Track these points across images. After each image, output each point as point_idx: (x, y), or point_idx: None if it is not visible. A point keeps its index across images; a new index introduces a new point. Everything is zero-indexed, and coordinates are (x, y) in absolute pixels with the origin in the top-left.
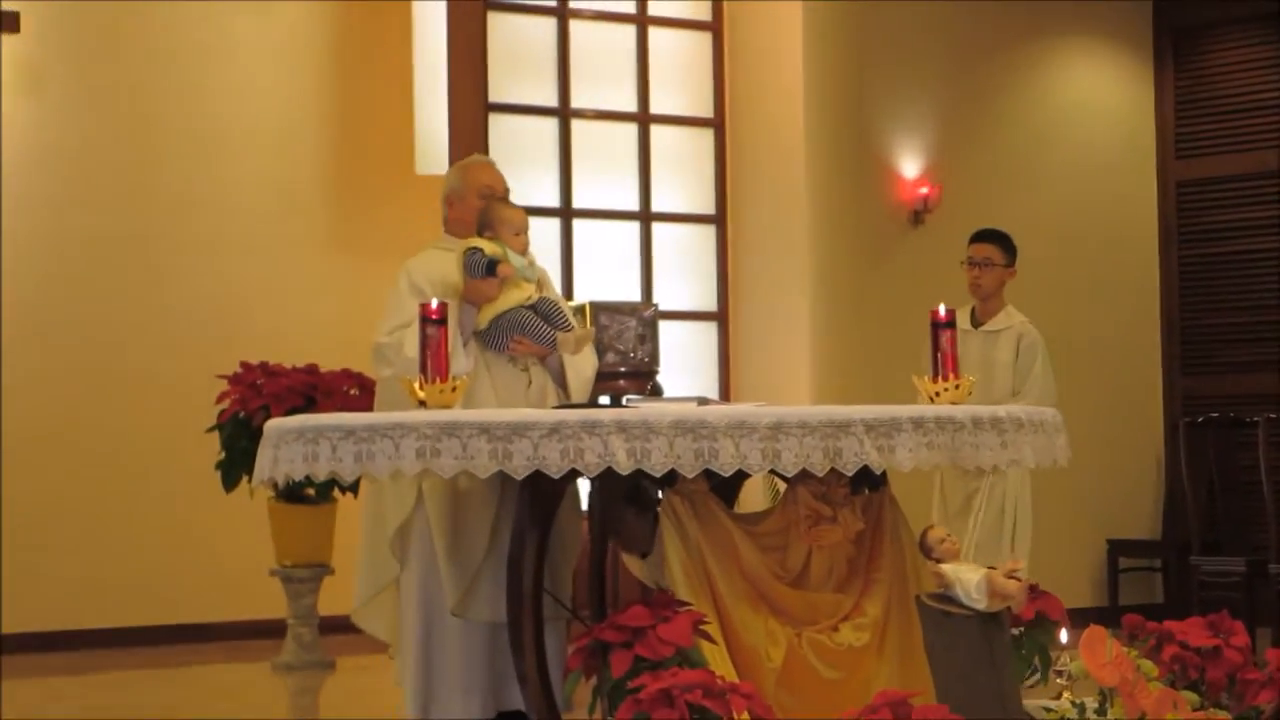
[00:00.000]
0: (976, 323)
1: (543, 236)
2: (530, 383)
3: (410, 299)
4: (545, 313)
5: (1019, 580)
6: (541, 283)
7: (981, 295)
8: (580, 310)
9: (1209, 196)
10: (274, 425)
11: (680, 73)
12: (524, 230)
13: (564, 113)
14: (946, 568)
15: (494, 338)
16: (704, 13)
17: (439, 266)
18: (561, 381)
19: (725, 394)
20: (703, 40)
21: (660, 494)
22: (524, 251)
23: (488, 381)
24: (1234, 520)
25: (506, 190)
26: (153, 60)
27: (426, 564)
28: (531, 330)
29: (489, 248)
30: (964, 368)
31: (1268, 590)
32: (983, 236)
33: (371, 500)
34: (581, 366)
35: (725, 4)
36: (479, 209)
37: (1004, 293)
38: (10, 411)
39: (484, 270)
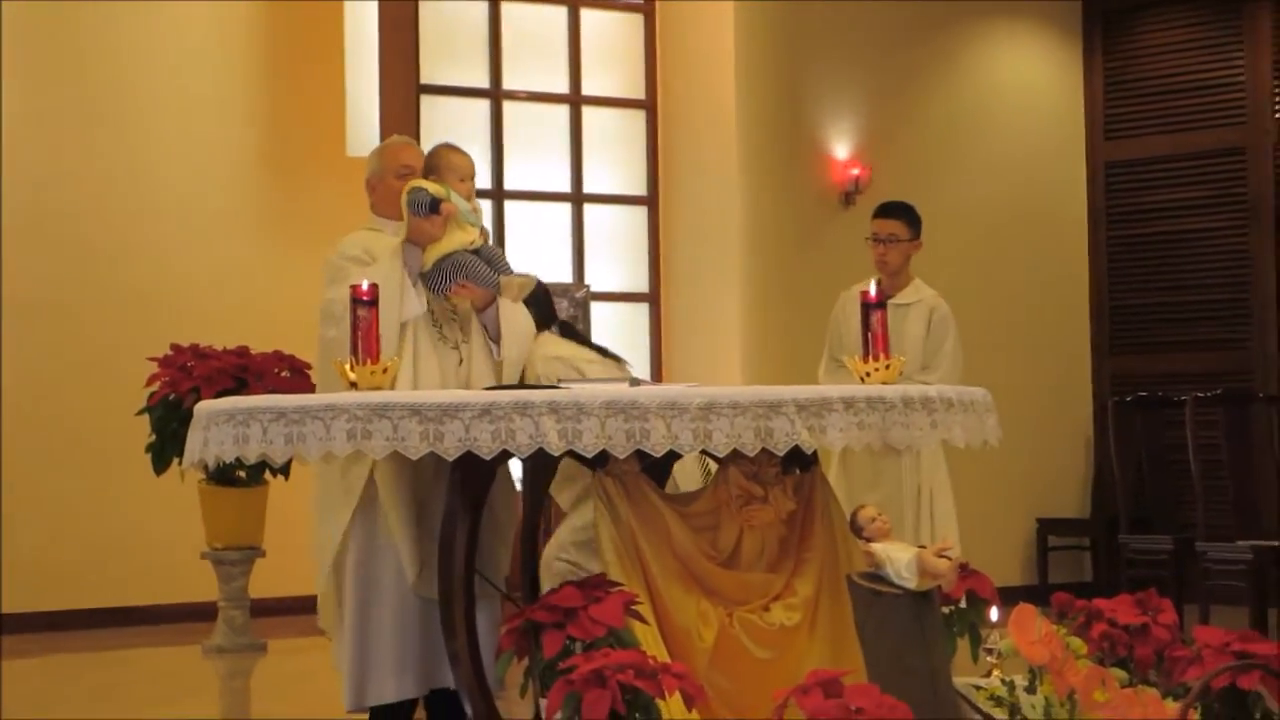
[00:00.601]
0: (886, 297)
1: None
2: (460, 361)
3: (349, 266)
4: (488, 257)
5: (949, 559)
6: (484, 233)
7: (889, 271)
8: (530, 280)
9: (1138, 177)
10: (204, 407)
11: (612, 55)
12: (469, 177)
13: (496, 94)
14: (877, 547)
15: (437, 280)
16: None
17: (367, 242)
18: (496, 336)
19: (657, 375)
20: (634, 22)
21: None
22: (468, 198)
23: (411, 368)
24: (1162, 499)
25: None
26: (86, 41)
27: (363, 544)
28: (474, 273)
29: (432, 188)
30: None
31: (1195, 568)
32: (886, 211)
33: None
34: (518, 320)
35: None
36: (398, 189)
37: (910, 266)
38: None
39: (427, 209)
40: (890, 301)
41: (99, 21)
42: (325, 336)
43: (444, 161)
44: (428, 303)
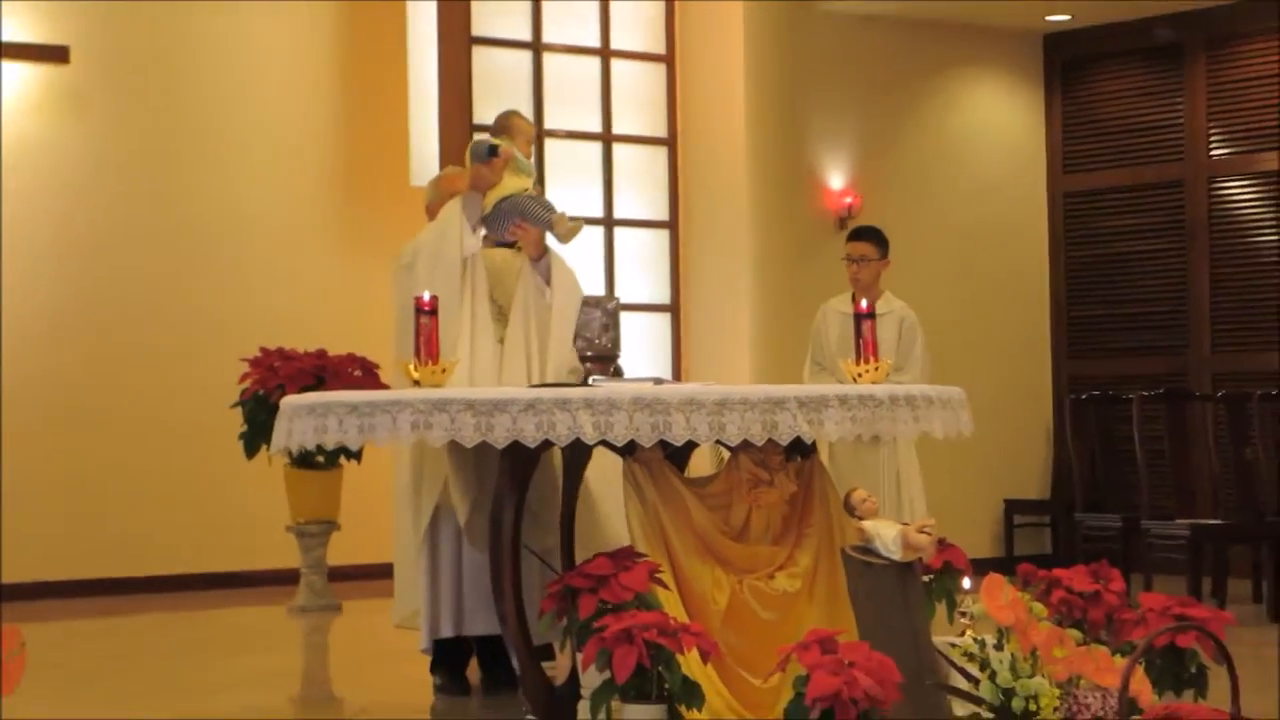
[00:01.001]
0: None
1: None
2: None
3: (409, 253)
4: (542, 203)
5: (929, 535)
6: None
7: (862, 287)
8: (579, 224)
9: (1093, 205)
10: (289, 402)
11: (639, 98)
12: (531, 142)
13: (539, 133)
14: (867, 524)
15: (496, 222)
16: (659, 46)
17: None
18: (548, 280)
19: (678, 375)
20: (658, 70)
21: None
22: (527, 157)
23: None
24: (1112, 483)
25: (530, 138)
26: (185, 89)
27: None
28: (530, 213)
29: (492, 140)
30: (852, 349)
31: (1140, 543)
32: (858, 234)
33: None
34: (568, 276)
35: (677, 38)
36: (525, 132)
37: (881, 282)
38: (69, 389)
39: (486, 153)
40: None
41: (200, 73)
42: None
43: (511, 124)
44: (489, 296)
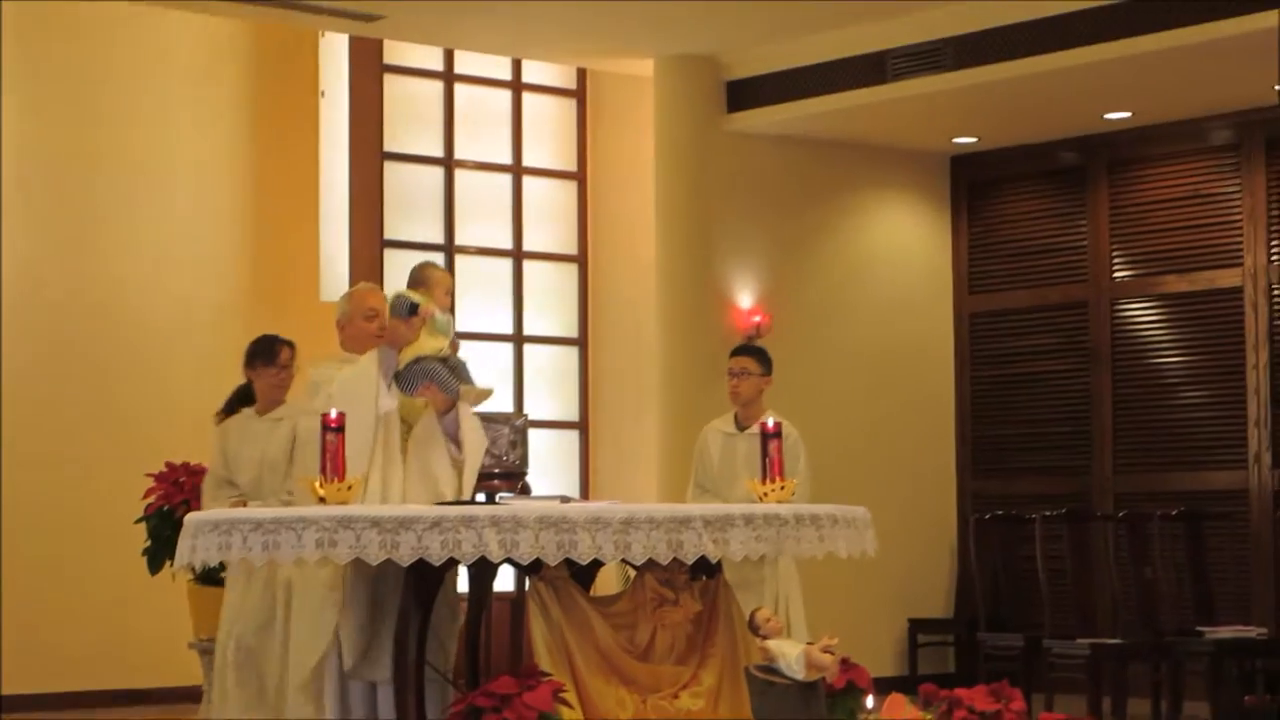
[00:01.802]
0: (742, 426)
1: None
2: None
3: (324, 386)
4: (454, 366)
5: (832, 654)
6: (454, 344)
7: (741, 401)
8: (489, 391)
9: (998, 326)
10: (193, 518)
11: (550, 215)
12: (451, 293)
13: (450, 249)
14: (771, 643)
15: (407, 380)
16: (570, 163)
17: (336, 370)
18: (455, 439)
19: (585, 493)
20: (569, 188)
21: (527, 580)
22: (446, 312)
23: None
24: (1015, 602)
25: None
26: (97, 201)
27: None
28: (440, 379)
29: (413, 295)
30: (734, 466)
31: (1041, 662)
32: (740, 350)
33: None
34: (476, 431)
35: (589, 156)
36: (366, 330)
37: (763, 399)
38: None
39: (406, 311)
40: (746, 431)
41: (105, 164)
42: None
43: (430, 275)
44: (400, 417)
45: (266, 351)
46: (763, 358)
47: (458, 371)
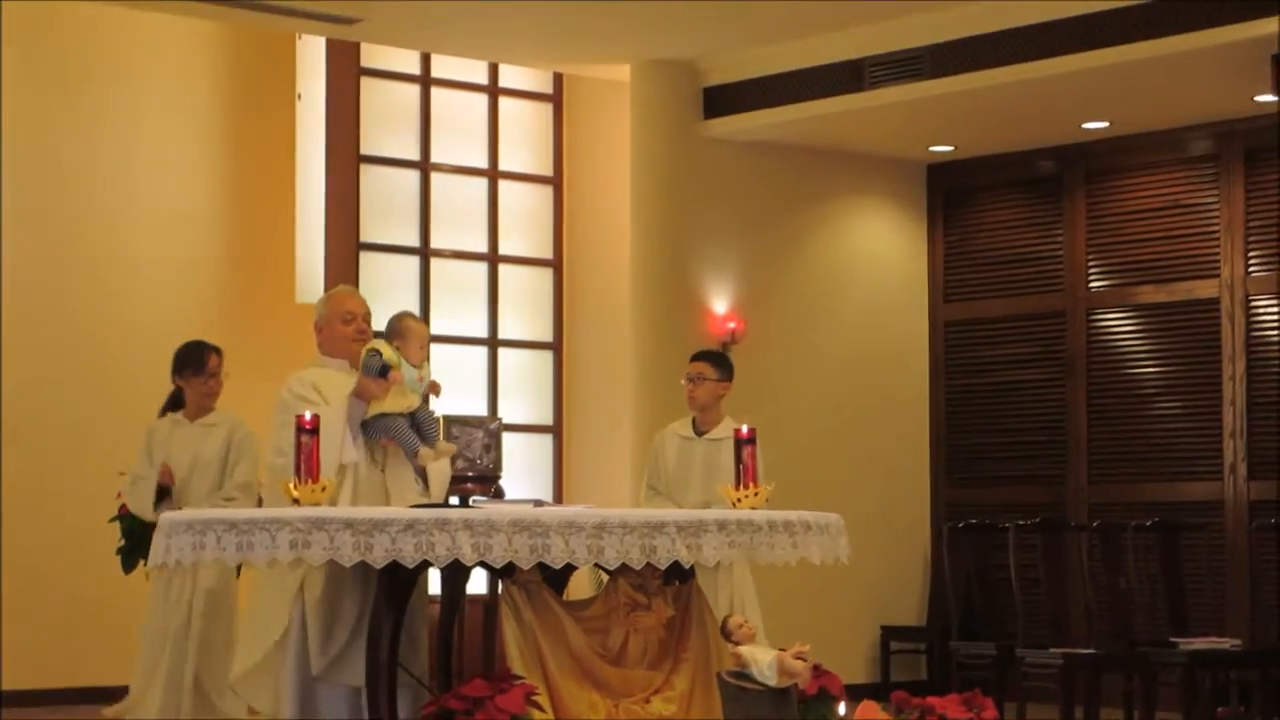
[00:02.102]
0: (700, 431)
1: None
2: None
3: (298, 405)
4: (420, 421)
5: (805, 660)
6: (433, 388)
7: (698, 406)
8: (450, 448)
9: (973, 334)
10: (167, 518)
11: (526, 220)
12: (426, 345)
13: (425, 252)
14: (744, 649)
15: (373, 430)
16: (546, 167)
17: (315, 379)
18: (423, 476)
19: (558, 497)
20: (545, 192)
21: (500, 583)
22: (421, 365)
23: (379, 477)
24: (987, 611)
25: (368, 314)
26: (74, 201)
27: (300, 641)
28: (400, 437)
29: (387, 353)
30: (690, 470)
31: (1014, 671)
32: (699, 356)
33: (261, 590)
34: (441, 470)
35: (565, 161)
36: (344, 333)
37: (721, 405)
38: None
39: (378, 372)
40: (704, 436)
41: (83, 158)
42: (273, 464)
43: (406, 328)
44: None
45: (195, 360)
46: (721, 363)
47: (423, 428)
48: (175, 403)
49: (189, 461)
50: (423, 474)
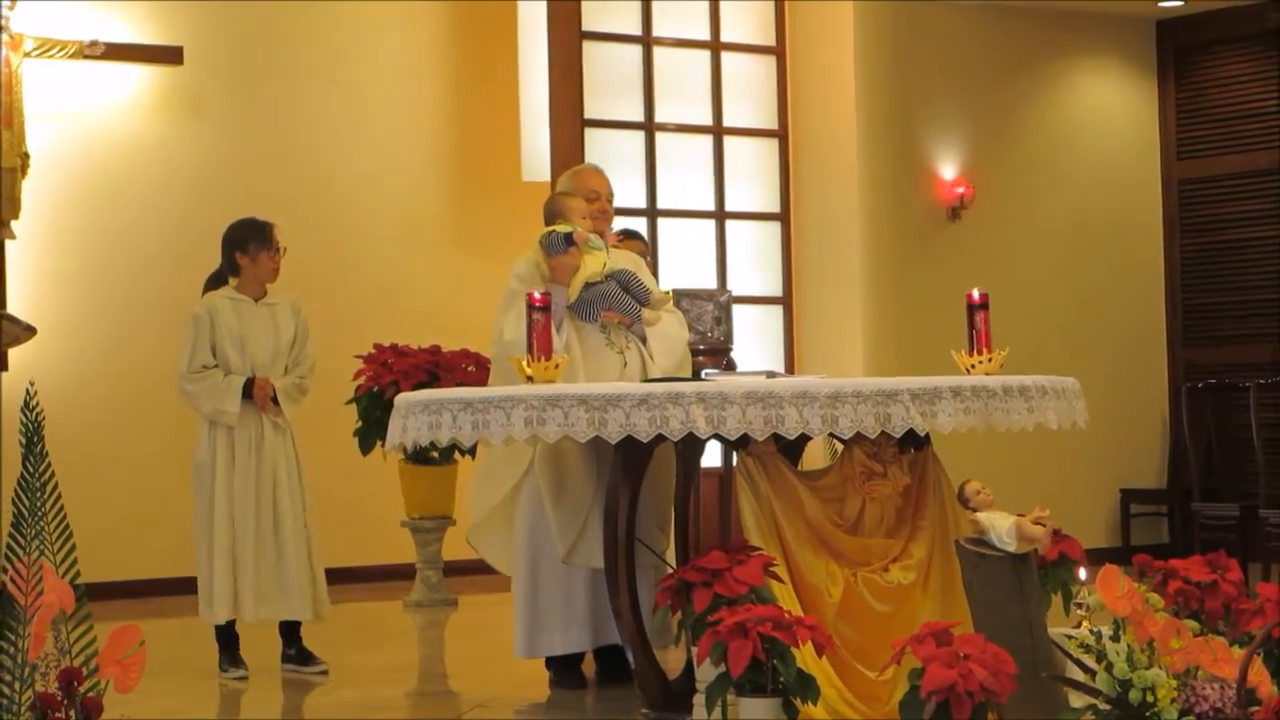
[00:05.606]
0: None
1: None
2: (625, 364)
3: (520, 289)
4: (624, 282)
5: (1044, 526)
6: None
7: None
8: (666, 296)
9: (1207, 192)
10: (403, 398)
11: (749, 91)
12: (587, 215)
13: (649, 127)
14: (981, 515)
15: (584, 309)
16: (769, 39)
17: (538, 258)
18: (644, 338)
19: (790, 368)
20: (768, 62)
21: (735, 455)
22: (604, 214)
23: (582, 366)
24: (1229, 472)
25: (611, 194)
26: (298, 89)
27: (533, 520)
28: (617, 303)
29: (560, 227)
30: None
31: (1258, 532)
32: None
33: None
34: (667, 332)
35: (787, 30)
36: (583, 210)
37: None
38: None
39: (563, 244)
40: None
41: (306, 51)
42: (497, 347)
43: (563, 206)
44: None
45: (259, 234)
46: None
47: (630, 287)
48: (218, 282)
49: (270, 344)
50: (644, 339)
